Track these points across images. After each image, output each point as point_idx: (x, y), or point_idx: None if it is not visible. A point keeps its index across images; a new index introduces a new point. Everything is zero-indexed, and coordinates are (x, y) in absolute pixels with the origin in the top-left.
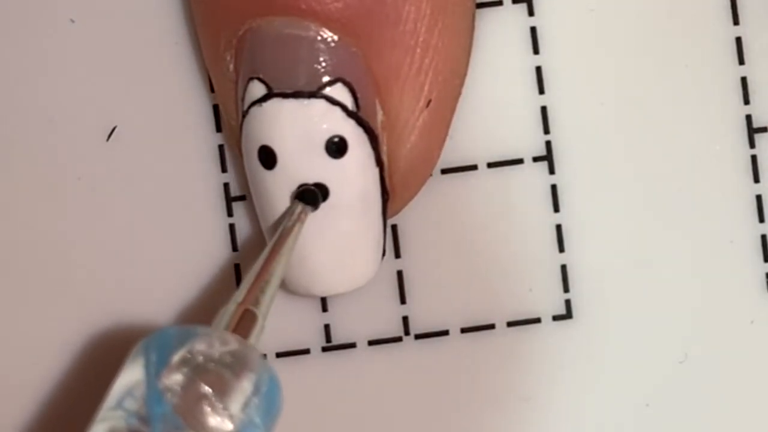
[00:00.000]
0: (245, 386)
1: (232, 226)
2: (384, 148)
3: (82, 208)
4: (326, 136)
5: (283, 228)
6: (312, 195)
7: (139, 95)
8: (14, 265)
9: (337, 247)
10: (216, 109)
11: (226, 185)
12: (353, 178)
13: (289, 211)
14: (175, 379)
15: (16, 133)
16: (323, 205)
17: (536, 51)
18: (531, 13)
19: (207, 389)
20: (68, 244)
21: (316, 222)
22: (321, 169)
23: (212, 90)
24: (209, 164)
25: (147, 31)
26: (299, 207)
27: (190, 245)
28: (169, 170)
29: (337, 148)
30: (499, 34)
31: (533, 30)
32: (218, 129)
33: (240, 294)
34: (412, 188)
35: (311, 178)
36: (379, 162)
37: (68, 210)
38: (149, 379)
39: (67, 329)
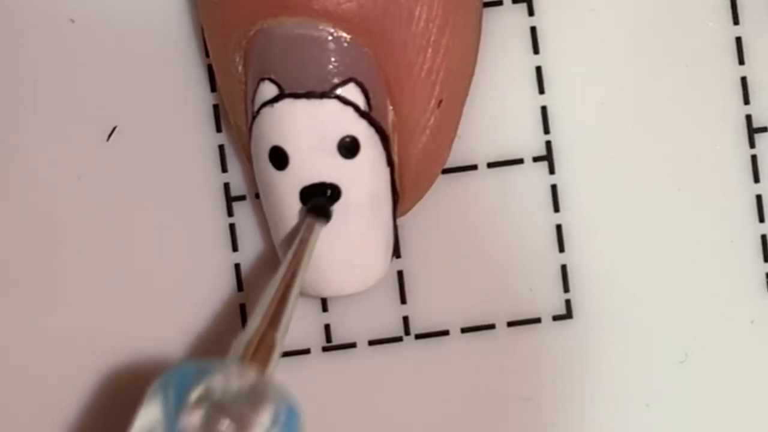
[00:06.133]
0: (264, 419)
1: (232, 226)
2: (395, 149)
3: (82, 208)
4: (338, 136)
5: (296, 246)
6: (323, 209)
7: (139, 95)
8: (13, 264)
9: (348, 247)
10: (216, 109)
11: (226, 185)
12: (365, 179)
13: (301, 227)
14: (194, 418)
15: (16, 133)
16: (334, 206)
17: (536, 51)
18: (531, 13)
19: (226, 426)
20: (68, 244)
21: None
22: (333, 169)
23: (212, 90)
24: (209, 164)
25: (147, 31)
26: (311, 221)
27: (190, 245)
28: (169, 170)
29: (349, 148)
30: (499, 34)
31: (533, 30)
32: (218, 129)
33: (255, 321)
34: (422, 188)
35: (323, 179)
36: (390, 162)
37: (68, 210)
38: (168, 420)
39: (65, 329)
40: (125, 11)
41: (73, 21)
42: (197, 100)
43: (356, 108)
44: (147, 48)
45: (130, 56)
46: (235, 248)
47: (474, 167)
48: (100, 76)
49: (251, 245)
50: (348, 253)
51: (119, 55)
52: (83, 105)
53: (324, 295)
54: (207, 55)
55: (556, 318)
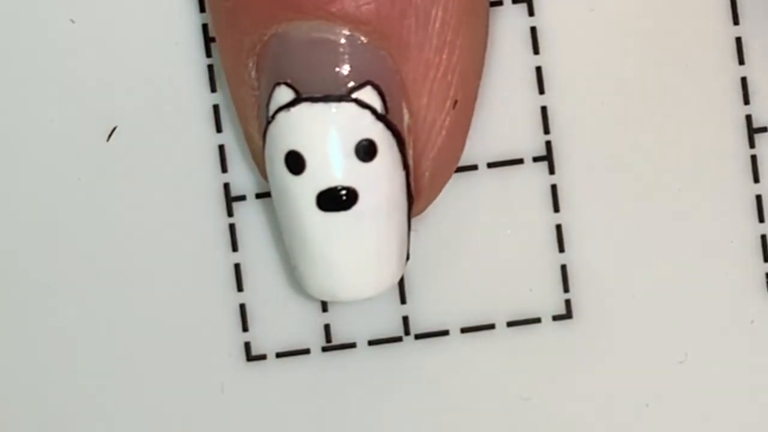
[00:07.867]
0: None
1: (232, 226)
2: (410, 152)
3: (82, 208)
4: (356, 140)
5: None
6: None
7: (139, 95)
8: (13, 264)
9: (364, 251)
10: (216, 109)
11: (226, 185)
12: (382, 182)
13: None
14: None
15: (16, 133)
16: (351, 210)
17: (536, 51)
18: (531, 13)
19: None
20: (68, 244)
21: (344, 226)
22: (350, 173)
23: (213, 90)
24: (209, 164)
25: (147, 32)
26: None
27: (190, 245)
28: (169, 170)
29: (366, 151)
30: (499, 34)
31: (533, 30)
32: (218, 129)
33: None
34: (436, 190)
35: (340, 183)
36: (406, 165)
37: (68, 210)
38: None
39: (65, 329)
40: (125, 11)
41: (73, 21)
42: (197, 100)
43: (373, 111)
44: (147, 48)
45: (130, 56)
46: (235, 248)
47: (474, 167)
48: (100, 76)
49: (251, 245)
50: (365, 257)
51: (119, 55)
52: (83, 105)
53: (339, 300)
54: (207, 55)
55: (556, 318)
